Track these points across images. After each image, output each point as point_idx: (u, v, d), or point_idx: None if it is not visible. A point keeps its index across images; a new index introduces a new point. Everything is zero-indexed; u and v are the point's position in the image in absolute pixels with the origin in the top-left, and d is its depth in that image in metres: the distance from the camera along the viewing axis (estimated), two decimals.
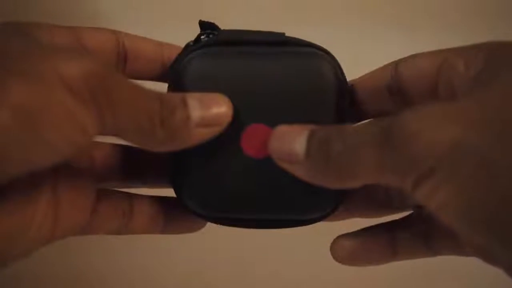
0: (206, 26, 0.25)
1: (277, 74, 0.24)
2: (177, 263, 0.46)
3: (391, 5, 0.47)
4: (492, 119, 0.18)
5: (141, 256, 0.46)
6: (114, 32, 0.26)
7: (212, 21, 0.26)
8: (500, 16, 0.46)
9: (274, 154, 0.22)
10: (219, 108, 0.23)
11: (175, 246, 0.44)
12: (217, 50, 0.24)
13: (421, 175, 0.18)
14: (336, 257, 0.26)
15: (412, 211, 0.26)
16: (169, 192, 0.26)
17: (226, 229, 0.26)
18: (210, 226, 0.27)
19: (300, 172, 0.21)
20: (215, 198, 0.24)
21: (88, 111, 0.20)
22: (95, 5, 0.46)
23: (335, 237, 0.26)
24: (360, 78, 0.26)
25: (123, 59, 0.26)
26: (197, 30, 0.26)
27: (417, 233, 0.25)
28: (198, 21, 0.26)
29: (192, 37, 0.26)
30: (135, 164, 0.26)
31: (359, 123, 0.26)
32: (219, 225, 0.26)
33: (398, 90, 0.24)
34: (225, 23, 0.26)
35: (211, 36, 0.25)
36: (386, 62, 0.25)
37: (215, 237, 0.35)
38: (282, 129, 0.22)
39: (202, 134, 0.22)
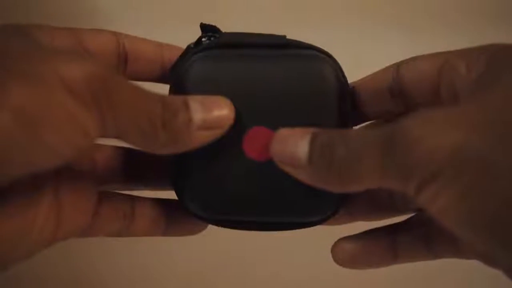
0: (207, 29, 0.25)
1: (279, 76, 0.24)
2: (178, 264, 0.46)
3: (391, 5, 0.47)
4: (494, 121, 0.18)
5: (142, 258, 0.46)
6: (114, 33, 0.26)
7: (212, 21, 0.26)
8: (501, 16, 0.46)
9: (275, 157, 0.22)
10: (221, 110, 0.23)
11: (176, 248, 0.45)
12: (219, 53, 0.24)
13: (424, 181, 0.18)
14: (337, 260, 0.26)
15: (413, 214, 0.26)
16: (171, 195, 0.26)
17: (227, 231, 0.26)
18: (211, 228, 0.27)
19: (302, 175, 0.21)
20: (216, 201, 0.24)
21: (89, 114, 0.20)
22: (94, 3, 0.46)
23: (336, 240, 0.26)
24: (361, 80, 0.26)
25: (124, 60, 0.26)
26: (197, 30, 0.26)
27: (418, 236, 0.25)
28: (198, 21, 0.26)
29: (192, 37, 0.26)
30: (136, 166, 0.26)
31: (361, 127, 0.26)
32: (220, 227, 0.26)
33: (399, 92, 0.24)
34: (225, 23, 0.26)
35: (212, 38, 0.25)
36: (386, 62, 0.25)
37: (216, 239, 0.35)
38: (284, 133, 0.22)
39: (203, 137, 0.22)
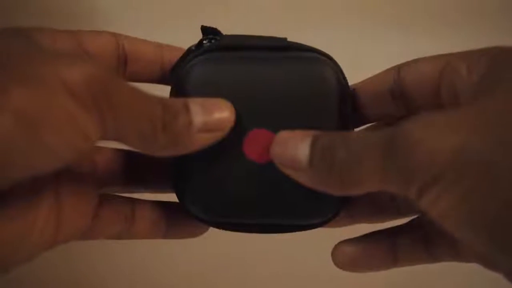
0: (208, 31, 0.25)
1: (279, 79, 0.24)
2: (179, 266, 0.46)
3: (391, 5, 0.46)
4: (495, 124, 0.18)
5: (143, 260, 0.46)
6: (114, 34, 0.26)
7: (212, 21, 0.26)
8: (501, 16, 0.46)
9: (276, 159, 0.22)
10: (221, 113, 0.23)
11: (177, 250, 0.44)
12: (219, 55, 0.24)
13: (425, 184, 0.18)
14: (337, 263, 0.26)
15: (413, 218, 0.26)
16: (171, 197, 0.26)
17: (228, 233, 0.26)
18: (211, 230, 0.27)
19: (302, 178, 0.21)
20: (217, 203, 0.24)
21: (90, 116, 0.19)
22: (93, 3, 0.46)
23: (336, 242, 0.26)
24: (362, 82, 0.26)
25: (124, 61, 0.26)
26: (197, 30, 0.26)
27: (418, 240, 0.25)
28: (197, 21, 0.26)
29: (192, 37, 0.26)
30: (137, 169, 0.26)
31: (362, 129, 0.26)
32: (221, 230, 0.26)
33: (400, 94, 0.24)
34: (225, 23, 0.26)
35: (213, 41, 0.25)
36: (386, 62, 0.25)
37: (216, 241, 0.35)
38: (284, 135, 0.22)
39: (204, 139, 0.22)
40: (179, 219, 0.26)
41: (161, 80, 0.27)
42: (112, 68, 0.25)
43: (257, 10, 0.46)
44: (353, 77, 0.26)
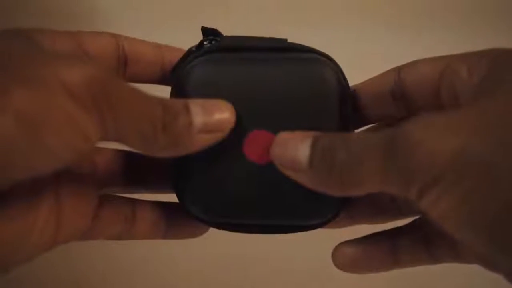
0: (208, 32, 0.25)
1: (279, 80, 0.24)
2: (179, 267, 0.46)
3: (391, 5, 0.46)
4: (495, 126, 0.18)
5: (143, 260, 0.46)
6: (114, 35, 0.26)
7: (212, 21, 0.26)
8: (500, 16, 0.46)
9: (276, 160, 0.22)
10: (222, 114, 0.23)
11: (177, 250, 0.44)
12: (220, 56, 0.24)
13: (425, 185, 0.18)
14: (337, 264, 0.26)
15: (413, 219, 0.26)
16: (172, 198, 0.26)
17: (228, 234, 0.26)
18: (212, 230, 0.27)
19: (303, 179, 0.21)
20: (217, 204, 0.24)
21: (90, 117, 0.19)
22: (93, 4, 0.46)
23: (336, 243, 0.26)
24: (362, 83, 0.26)
25: (124, 62, 0.26)
26: (197, 31, 0.26)
27: (418, 241, 0.25)
28: (197, 22, 0.26)
29: (191, 37, 0.26)
30: (137, 169, 0.26)
31: (362, 130, 0.26)
32: (221, 230, 0.26)
33: (401, 95, 0.24)
34: (225, 24, 0.26)
35: (213, 42, 0.25)
36: (386, 62, 0.25)
37: (216, 241, 0.35)
38: (284, 136, 0.22)
39: (204, 140, 0.22)
40: (179, 220, 0.26)
41: (161, 81, 0.27)
42: (112, 69, 0.25)
43: (257, 11, 0.46)
44: (353, 78, 0.26)
